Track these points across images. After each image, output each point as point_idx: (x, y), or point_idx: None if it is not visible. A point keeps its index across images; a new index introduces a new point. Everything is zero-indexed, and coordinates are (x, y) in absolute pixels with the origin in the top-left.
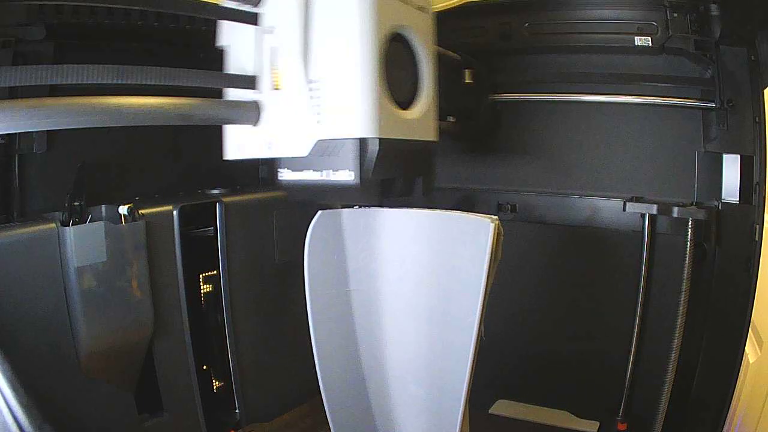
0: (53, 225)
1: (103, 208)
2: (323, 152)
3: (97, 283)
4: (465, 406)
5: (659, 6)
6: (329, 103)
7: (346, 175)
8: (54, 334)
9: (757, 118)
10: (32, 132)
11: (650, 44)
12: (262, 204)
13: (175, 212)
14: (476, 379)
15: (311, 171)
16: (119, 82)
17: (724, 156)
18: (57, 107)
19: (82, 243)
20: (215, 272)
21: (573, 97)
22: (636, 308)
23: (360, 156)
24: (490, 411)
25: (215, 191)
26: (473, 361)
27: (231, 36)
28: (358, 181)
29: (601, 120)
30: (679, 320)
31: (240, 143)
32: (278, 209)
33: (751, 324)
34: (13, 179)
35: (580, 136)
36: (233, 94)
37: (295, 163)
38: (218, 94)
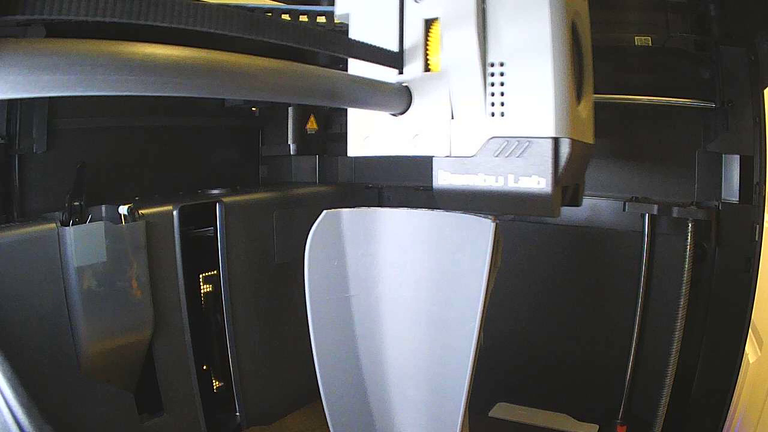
0: (53, 225)
1: (103, 208)
2: (501, 153)
3: (97, 283)
4: (465, 410)
5: (659, 6)
6: (516, 93)
7: (537, 183)
8: (54, 334)
9: (757, 118)
10: (32, 132)
11: (650, 44)
12: (262, 204)
13: (175, 212)
14: (476, 381)
15: (483, 175)
16: (242, 34)
17: (724, 156)
18: (117, 58)
19: (82, 243)
20: (215, 272)
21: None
22: (636, 308)
23: (554, 159)
24: (489, 414)
25: (215, 191)
26: (473, 366)
27: (355, 2)
28: (550, 189)
29: (601, 120)
30: (679, 320)
31: (371, 136)
32: (278, 209)
33: (751, 324)
34: (13, 179)
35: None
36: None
37: (458, 165)
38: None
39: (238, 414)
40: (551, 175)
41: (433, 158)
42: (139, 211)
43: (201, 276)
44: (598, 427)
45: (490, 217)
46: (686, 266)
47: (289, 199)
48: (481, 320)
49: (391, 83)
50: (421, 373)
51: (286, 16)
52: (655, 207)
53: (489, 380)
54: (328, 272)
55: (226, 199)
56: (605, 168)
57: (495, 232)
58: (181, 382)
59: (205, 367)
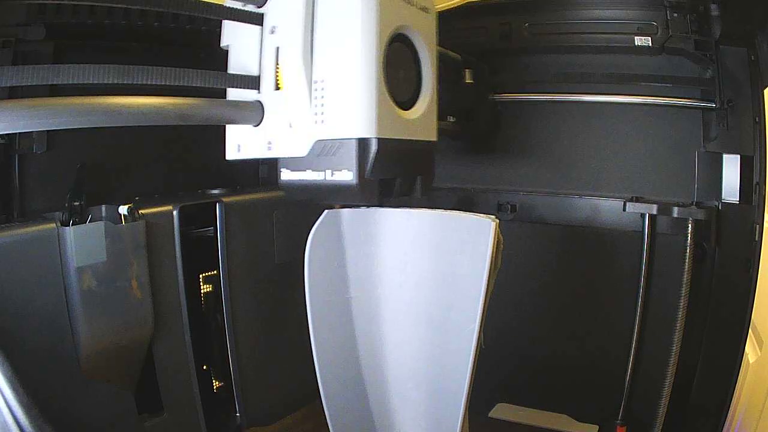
0: (53, 225)
1: (103, 208)
2: (322, 152)
3: (97, 283)
4: (465, 411)
5: (659, 6)
6: (331, 104)
7: (345, 175)
8: (54, 334)
9: (757, 118)
10: (32, 132)
11: (650, 44)
12: (262, 204)
13: (175, 212)
14: (475, 382)
15: (311, 171)
16: (122, 82)
17: (724, 156)
18: (57, 107)
19: (82, 243)
20: (215, 272)
21: (573, 97)
22: (636, 308)
23: (359, 156)
24: (489, 415)
25: (215, 191)
26: (473, 367)
27: (234, 36)
28: (357, 181)
29: (601, 120)
30: (679, 320)
31: (241, 143)
32: (278, 209)
33: (751, 324)
34: (13, 179)
35: (580, 136)
36: (235, 94)
37: (295, 163)
38: (220, 94)
39: (238, 414)
40: (358, 169)
41: (279, 158)
42: (139, 211)
43: (201, 276)
44: (597, 427)
45: (490, 217)
46: (686, 266)
47: (289, 199)
48: (481, 321)
49: (247, 101)
50: (421, 375)
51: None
52: (655, 207)
53: (489, 381)
54: (329, 274)
55: (226, 199)
56: (605, 168)
57: (495, 232)
58: (181, 382)
59: (205, 367)
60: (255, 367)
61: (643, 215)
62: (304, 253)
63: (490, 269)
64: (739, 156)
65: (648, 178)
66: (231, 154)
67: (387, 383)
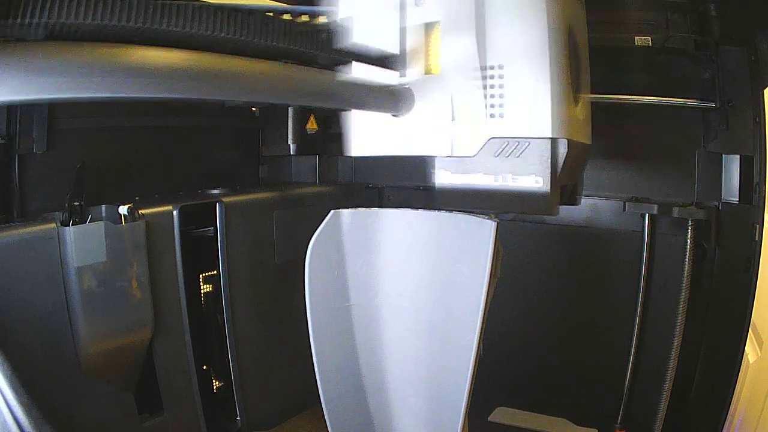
0: (53, 225)
1: (103, 208)
2: (500, 152)
3: (97, 283)
4: (464, 417)
5: (659, 6)
6: (511, 96)
7: (534, 182)
8: (54, 334)
9: (757, 118)
10: (32, 132)
11: (650, 44)
12: (262, 204)
13: (175, 212)
14: (474, 385)
15: (483, 174)
16: (246, 38)
17: (724, 156)
18: (127, 64)
19: (82, 243)
20: (215, 272)
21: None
22: (636, 309)
23: (551, 159)
24: (488, 419)
25: (215, 191)
26: (473, 374)
27: (357, 6)
28: (547, 188)
29: (601, 120)
30: (679, 320)
31: (372, 137)
32: (278, 209)
33: (751, 324)
34: (13, 179)
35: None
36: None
37: (459, 165)
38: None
39: (238, 419)
40: (549, 175)
41: (435, 158)
42: (139, 211)
43: (201, 276)
44: (596, 431)
45: (490, 217)
46: (686, 266)
47: (289, 199)
48: (481, 329)
49: (393, 85)
50: (421, 381)
51: (287, 16)
52: (655, 207)
53: (488, 384)
54: (329, 281)
55: (226, 199)
56: (605, 168)
57: (496, 232)
58: (181, 382)
59: (205, 367)
60: (255, 367)
61: (643, 215)
62: (303, 254)
63: (491, 270)
64: (739, 156)
65: (648, 178)
66: (357, 148)
67: (387, 389)
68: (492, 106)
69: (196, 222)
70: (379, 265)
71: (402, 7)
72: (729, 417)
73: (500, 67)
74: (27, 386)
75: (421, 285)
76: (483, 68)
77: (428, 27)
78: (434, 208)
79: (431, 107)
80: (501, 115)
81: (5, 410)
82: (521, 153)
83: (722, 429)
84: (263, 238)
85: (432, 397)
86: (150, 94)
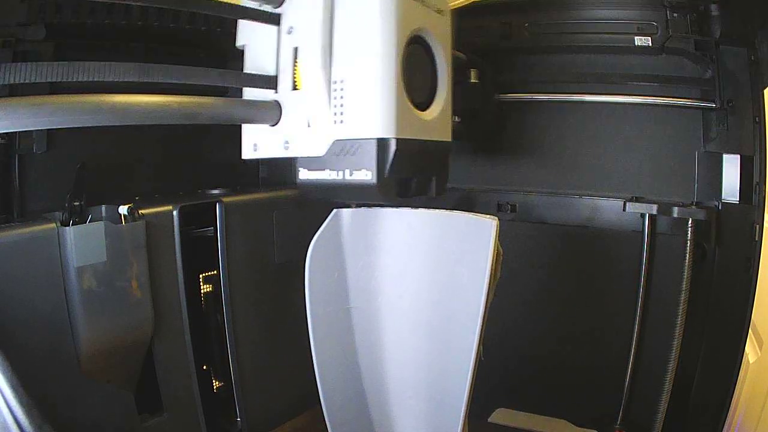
0: (53, 225)
1: (103, 208)
2: (341, 152)
3: (97, 283)
4: (464, 420)
5: (659, 6)
6: (350, 104)
7: (364, 175)
8: (54, 334)
9: (757, 118)
10: (32, 132)
11: (650, 44)
12: (262, 204)
13: (175, 212)
14: (474, 387)
15: (329, 171)
16: (140, 80)
17: (724, 156)
18: (62, 105)
19: (82, 243)
20: (215, 272)
21: (573, 97)
22: (636, 309)
23: (378, 156)
24: (489, 420)
25: (215, 191)
26: (473, 376)
27: (250, 36)
28: (375, 180)
29: (601, 120)
30: (679, 320)
31: (257, 143)
32: (278, 209)
33: (751, 324)
34: (13, 179)
35: (580, 136)
36: (251, 93)
37: (313, 163)
38: (223, 93)
39: (239, 420)
40: (377, 169)
41: (297, 158)
42: (139, 211)
43: (201, 276)
44: None
45: (490, 216)
46: (686, 266)
47: (289, 199)
48: (481, 330)
49: (264, 101)
50: (422, 383)
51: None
52: (655, 207)
53: (488, 385)
54: (329, 284)
55: (226, 199)
56: (605, 168)
57: (496, 231)
58: (181, 382)
59: (205, 367)
60: (255, 368)
61: (643, 215)
62: (303, 254)
63: (491, 271)
64: (739, 156)
65: (648, 178)
66: (247, 153)
67: (387, 392)
68: (336, 113)
69: (196, 222)
70: (379, 266)
71: (278, 35)
72: (729, 417)
73: (342, 81)
74: (27, 386)
75: (421, 286)
76: (330, 82)
77: (295, 51)
78: (432, 208)
79: (294, 117)
80: (342, 121)
81: (5, 410)
82: (356, 151)
83: (722, 429)
84: (263, 238)
85: (432, 399)
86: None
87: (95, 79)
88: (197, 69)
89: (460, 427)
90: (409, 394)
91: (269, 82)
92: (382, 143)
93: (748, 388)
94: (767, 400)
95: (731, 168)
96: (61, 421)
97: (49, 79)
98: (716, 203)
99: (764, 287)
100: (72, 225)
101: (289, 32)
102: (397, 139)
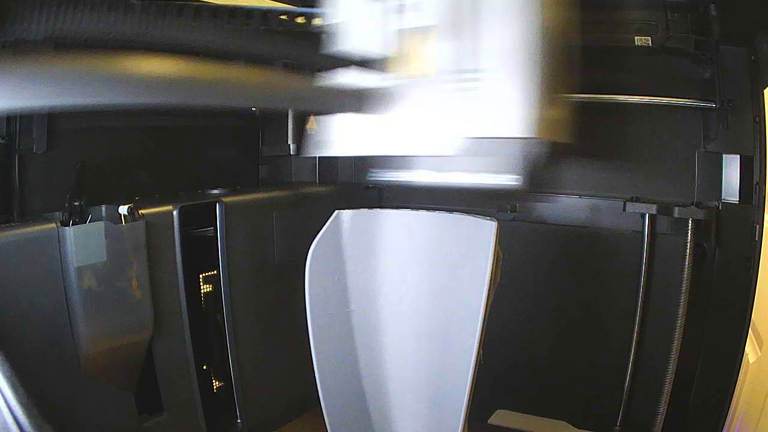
0: (53, 225)
1: (103, 208)
2: (475, 152)
3: (97, 283)
4: (464, 422)
5: (659, 6)
6: (489, 98)
7: (509, 180)
8: (54, 334)
9: (757, 118)
10: (32, 131)
11: (650, 44)
12: (262, 204)
13: (175, 212)
14: (474, 389)
15: (460, 173)
16: (227, 47)
17: (724, 156)
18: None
19: (82, 243)
20: (215, 272)
21: (573, 97)
22: (636, 309)
23: (524, 158)
24: (489, 422)
25: (215, 191)
26: (473, 379)
27: (345, 13)
28: (523, 186)
29: (601, 120)
30: (679, 320)
31: (356, 137)
32: (278, 209)
33: (751, 324)
34: (13, 179)
35: (580, 136)
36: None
37: (437, 164)
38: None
39: (239, 421)
40: (522, 173)
41: (414, 157)
42: (139, 211)
43: (201, 276)
44: None
45: (490, 218)
46: (686, 266)
47: (289, 199)
48: (481, 333)
49: (375, 88)
50: (422, 386)
51: (284, 17)
52: (655, 207)
53: (488, 386)
54: (329, 287)
55: (226, 199)
56: (605, 168)
57: (496, 232)
58: (181, 382)
59: (205, 367)
60: (255, 368)
61: (643, 215)
62: (303, 254)
63: (491, 273)
64: (739, 156)
65: (648, 178)
66: (339, 148)
67: (387, 393)
68: (471, 108)
69: (196, 222)
70: (379, 268)
71: (385, 13)
72: (729, 417)
73: (477, 70)
74: (27, 386)
75: (421, 288)
76: (461, 71)
77: (410, 32)
78: (433, 208)
79: (411, 108)
80: (478, 117)
81: (5, 410)
82: (496, 152)
83: (722, 429)
84: (263, 238)
85: (432, 401)
86: (133, 101)
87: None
88: (289, 41)
89: (460, 429)
90: (409, 396)
91: (379, 65)
92: (528, 144)
93: (748, 388)
94: (767, 400)
95: (731, 168)
96: (61, 421)
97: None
98: (716, 203)
99: (764, 287)
100: (72, 225)
101: (401, 10)
102: (541, 140)
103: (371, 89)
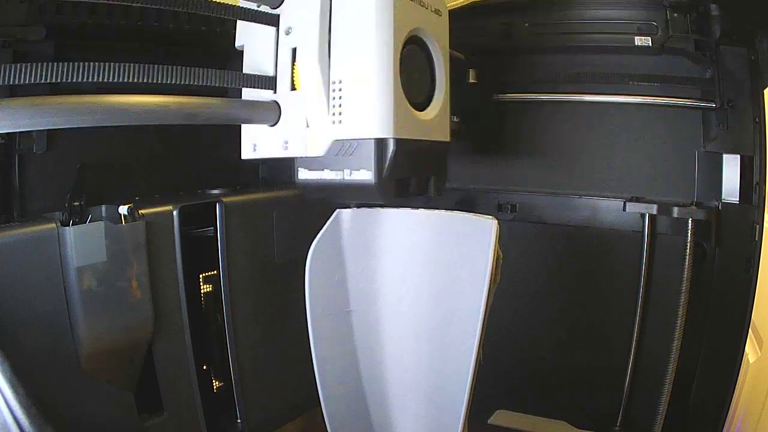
0: (53, 225)
1: (103, 208)
2: (340, 152)
3: (97, 283)
4: (464, 423)
5: (659, 6)
6: (349, 104)
7: (364, 175)
8: (54, 334)
9: (757, 118)
10: (32, 132)
11: (650, 44)
12: (262, 204)
13: (175, 212)
14: (474, 389)
15: (328, 170)
16: (140, 80)
17: (724, 156)
18: (62, 106)
19: (82, 243)
20: (215, 272)
21: (573, 97)
22: (636, 309)
23: (377, 156)
24: (489, 422)
25: (215, 191)
26: (473, 380)
27: (248, 36)
28: (375, 180)
29: (601, 120)
30: (679, 320)
31: (257, 143)
32: (278, 209)
33: (751, 324)
34: (13, 179)
35: (580, 135)
36: (250, 94)
37: (312, 163)
38: (222, 93)
39: (239, 421)
40: (376, 169)
41: (296, 158)
42: (139, 211)
43: (201, 276)
44: None
45: (490, 217)
46: (686, 266)
47: (289, 199)
48: (481, 333)
49: (264, 101)
50: (422, 386)
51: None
52: (655, 207)
53: (487, 386)
54: (329, 287)
55: (226, 199)
56: (605, 168)
57: (496, 231)
58: (181, 382)
59: (205, 368)
60: (255, 368)
61: (643, 215)
62: (304, 254)
63: (491, 273)
64: (739, 156)
65: (648, 178)
66: (246, 153)
67: (387, 394)
68: (335, 114)
69: (196, 222)
70: (379, 268)
71: (277, 36)
72: (729, 417)
73: (340, 81)
74: (27, 386)
75: (421, 288)
76: (328, 83)
77: (293, 51)
78: (432, 208)
79: (293, 117)
80: (341, 122)
81: (5, 410)
82: (354, 151)
83: (722, 429)
84: (263, 238)
85: (432, 402)
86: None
87: (95, 80)
88: (196, 69)
89: (460, 429)
90: (409, 396)
91: (268, 82)
92: (380, 143)
93: (748, 388)
94: (767, 400)
95: (731, 168)
96: (61, 421)
97: (49, 80)
98: (716, 203)
99: (764, 287)
100: (72, 225)
101: (288, 33)
102: (396, 139)
103: (266, 103)
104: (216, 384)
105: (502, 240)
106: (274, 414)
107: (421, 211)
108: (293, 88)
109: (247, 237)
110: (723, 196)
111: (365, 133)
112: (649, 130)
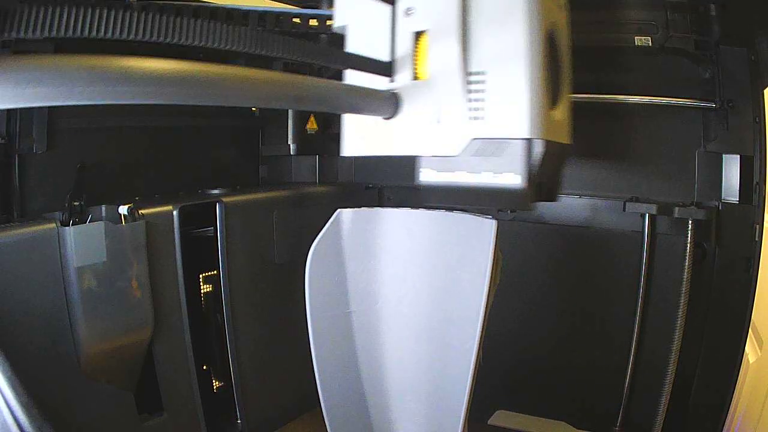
0: (53, 225)
1: (103, 208)
2: (479, 152)
3: (97, 283)
4: (464, 423)
5: (659, 6)
6: (492, 99)
7: (510, 179)
8: (54, 334)
9: (757, 118)
10: (32, 132)
11: (650, 44)
12: (262, 204)
13: (175, 212)
14: (474, 389)
15: (463, 172)
16: (249, 50)
17: (724, 156)
18: (114, 72)
19: (82, 243)
20: (215, 272)
21: (573, 97)
22: (636, 309)
23: (526, 158)
24: (489, 422)
25: (215, 191)
26: (472, 380)
27: (352, 16)
28: (524, 185)
29: (601, 120)
30: (679, 320)
31: (366, 138)
32: (278, 209)
33: (751, 324)
34: (13, 179)
35: (580, 135)
36: (351, 81)
37: (442, 164)
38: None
39: (239, 422)
40: (525, 172)
41: (419, 157)
42: (139, 211)
43: (201, 276)
44: None
45: (490, 216)
46: (686, 266)
47: (289, 199)
48: (481, 334)
49: (382, 90)
50: (422, 387)
51: (297, 20)
52: (655, 207)
53: (487, 387)
54: (329, 288)
55: (226, 199)
56: (605, 168)
57: (496, 231)
58: (181, 382)
59: (205, 367)
60: (255, 368)
61: (643, 215)
62: (304, 254)
63: (491, 273)
64: (739, 156)
65: (648, 178)
66: (350, 149)
67: (387, 394)
68: (474, 109)
69: (196, 222)
70: (379, 269)
71: (393, 16)
72: (729, 417)
73: (482, 73)
74: (27, 386)
75: (421, 289)
76: (467, 74)
77: (416, 35)
78: (431, 208)
79: (418, 110)
80: (482, 118)
81: (5, 410)
82: (500, 152)
83: (722, 429)
84: (263, 238)
85: (432, 402)
86: (148, 101)
87: (192, 43)
88: (307, 44)
89: (460, 429)
90: (409, 396)
91: (385, 68)
92: (530, 144)
93: (748, 388)
94: (767, 400)
95: (731, 168)
96: (61, 421)
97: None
98: (716, 203)
99: (764, 287)
100: (72, 225)
101: (408, 13)
102: (546, 141)
103: (378, 91)
104: (216, 384)
105: (502, 240)
106: (274, 414)
107: (421, 211)
108: (416, 77)
109: (247, 237)
110: (723, 197)
111: (513, 133)
112: (649, 130)
